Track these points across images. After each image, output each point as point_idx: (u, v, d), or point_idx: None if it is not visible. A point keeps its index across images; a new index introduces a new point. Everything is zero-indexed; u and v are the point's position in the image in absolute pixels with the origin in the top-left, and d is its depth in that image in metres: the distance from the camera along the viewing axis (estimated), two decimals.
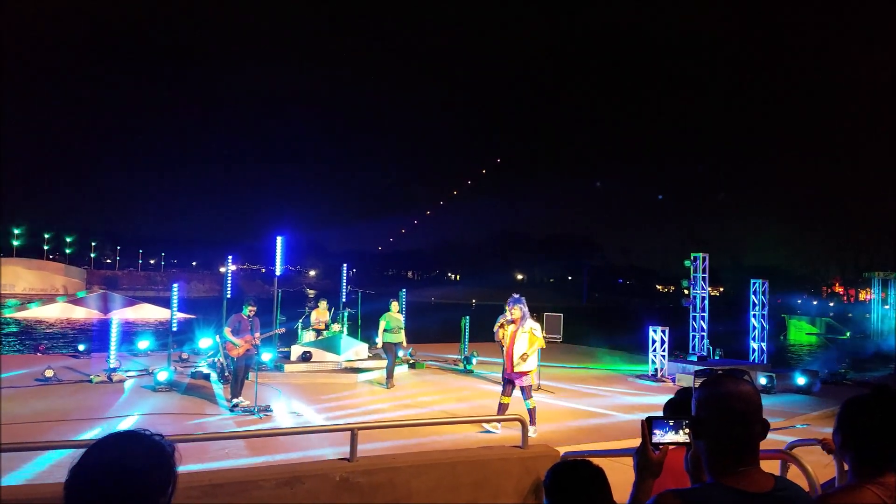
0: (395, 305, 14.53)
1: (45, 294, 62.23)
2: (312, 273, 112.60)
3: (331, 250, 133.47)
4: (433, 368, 16.83)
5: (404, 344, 14.74)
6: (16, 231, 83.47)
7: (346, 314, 17.34)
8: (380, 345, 14.20)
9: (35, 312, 42.28)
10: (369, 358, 15.92)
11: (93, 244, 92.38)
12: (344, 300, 17.80)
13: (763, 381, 14.12)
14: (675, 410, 3.08)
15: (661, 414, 2.15)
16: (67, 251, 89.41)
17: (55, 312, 42.26)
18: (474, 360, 16.61)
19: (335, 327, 16.68)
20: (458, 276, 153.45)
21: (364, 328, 17.99)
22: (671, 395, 3.26)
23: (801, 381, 14.74)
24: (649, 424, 1.99)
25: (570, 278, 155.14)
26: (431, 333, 24.20)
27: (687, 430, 1.95)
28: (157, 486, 1.57)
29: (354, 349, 15.93)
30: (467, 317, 18.60)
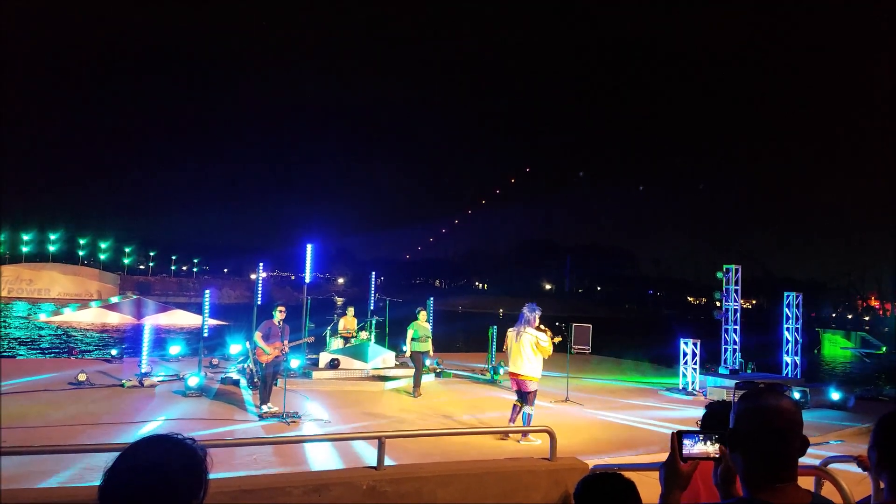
0: (423, 315, 14.57)
1: (80, 299, 63.32)
2: (341, 280, 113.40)
3: (359, 258, 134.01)
4: (460, 378, 16.80)
5: (431, 353, 14.76)
6: (52, 236, 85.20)
7: (373, 322, 17.39)
8: (408, 353, 14.24)
9: (69, 317, 42.95)
10: (396, 366, 15.95)
11: (126, 250, 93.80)
12: (372, 308, 17.87)
13: (797, 395, 13.88)
14: (712, 418, 3.04)
15: (691, 427, 2.11)
16: (102, 257, 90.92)
17: (89, 317, 42.87)
18: (501, 370, 16.45)
19: (363, 335, 16.75)
20: (485, 285, 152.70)
21: (391, 336, 18.02)
22: (704, 408, 3.22)
23: (835, 396, 14.46)
24: (679, 437, 1.96)
25: (598, 288, 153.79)
26: (458, 342, 24.14)
27: (717, 444, 1.92)
28: (189, 490, 1.58)
29: (382, 357, 15.98)
30: (494, 326, 18.44)
